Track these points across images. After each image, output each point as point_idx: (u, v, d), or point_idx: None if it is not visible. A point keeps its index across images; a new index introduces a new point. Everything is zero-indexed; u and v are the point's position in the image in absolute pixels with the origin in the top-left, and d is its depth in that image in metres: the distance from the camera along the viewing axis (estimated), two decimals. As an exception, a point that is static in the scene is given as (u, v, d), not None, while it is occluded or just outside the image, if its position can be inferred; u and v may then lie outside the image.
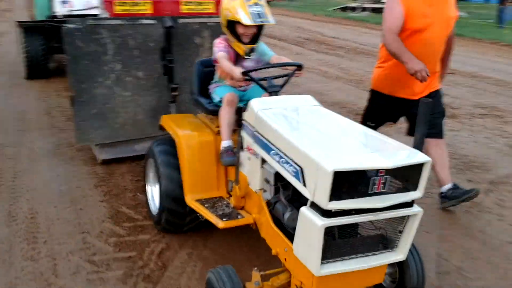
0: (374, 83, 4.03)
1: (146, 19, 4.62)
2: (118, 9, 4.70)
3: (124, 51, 4.58)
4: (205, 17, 4.93)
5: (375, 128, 4.10)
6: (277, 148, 2.41)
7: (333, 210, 2.01)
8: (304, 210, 2.11)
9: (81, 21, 4.42)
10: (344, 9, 27.21)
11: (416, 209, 2.23)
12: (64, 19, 4.48)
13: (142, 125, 4.88)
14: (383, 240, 2.33)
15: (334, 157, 2.04)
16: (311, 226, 2.05)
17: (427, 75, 3.43)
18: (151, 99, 4.85)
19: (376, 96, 4.04)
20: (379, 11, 22.89)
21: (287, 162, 2.29)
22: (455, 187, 4.03)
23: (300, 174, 2.16)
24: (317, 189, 2.01)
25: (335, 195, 1.99)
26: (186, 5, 5.00)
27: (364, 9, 26.19)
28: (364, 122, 4.11)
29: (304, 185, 2.13)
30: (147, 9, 4.81)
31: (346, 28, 19.22)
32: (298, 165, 2.18)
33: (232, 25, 3.15)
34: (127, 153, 4.93)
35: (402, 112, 4.01)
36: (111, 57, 4.55)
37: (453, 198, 3.97)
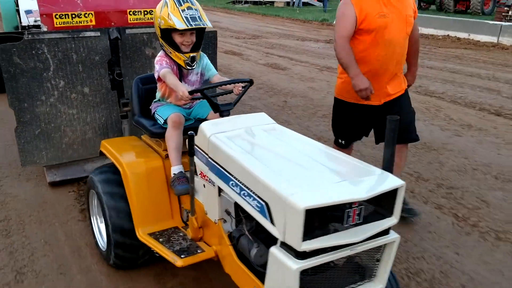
0: (338, 92, 3.82)
1: (89, 31, 4.31)
2: (58, 22, 4.35)
3: (67, 66, 4.25)
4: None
5: (346, 145, 3.95)
6: (236, 178, 2.17)
7: (307, 251, 1.82)
8: (275, 251, 1.89)
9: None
10: (234, 2, 36.28)
11: (393, 236, 2.07)
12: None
13: (91, 144, 4.56)
14: (359, 270, 2.16)
15: (303, 191, 1.83)
16: (284, 270, 1.84)
17: (371, 92, 3.41)
18: (100, 115, 4.54)
19: (341, 105, 3.82)
20: (258, 3, 34.41)
21: (249, 195, 2.06)
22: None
23: (266, 210, 1.93)
24: (288, 228, 1.80)
25: (308, 233, 1.78)
26: (133, 14, 4.70)
27: (246, 2, 35.39)
28: (336, 139, 3.97)
29: (272, 222, 1.91)
30: (90, 20, 4.47)
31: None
32: (262, 200, 1.95)
33: (168, 34, 2.91)
34: (76, 174, 4.60)
35: (371, 120, 3.78)
36: (53, 73, 4.21)
37: None
